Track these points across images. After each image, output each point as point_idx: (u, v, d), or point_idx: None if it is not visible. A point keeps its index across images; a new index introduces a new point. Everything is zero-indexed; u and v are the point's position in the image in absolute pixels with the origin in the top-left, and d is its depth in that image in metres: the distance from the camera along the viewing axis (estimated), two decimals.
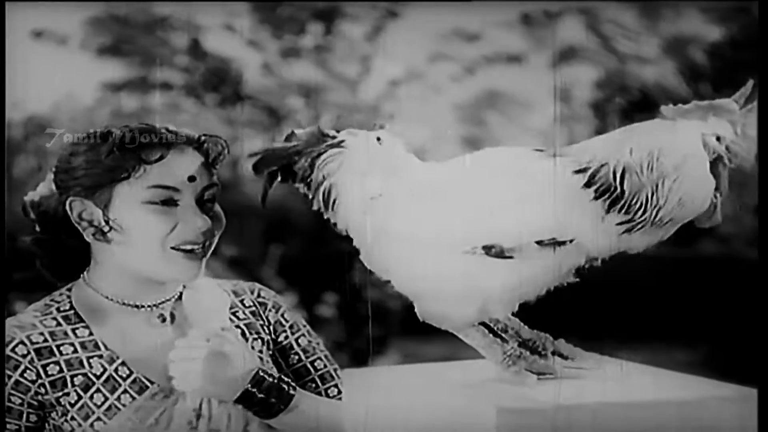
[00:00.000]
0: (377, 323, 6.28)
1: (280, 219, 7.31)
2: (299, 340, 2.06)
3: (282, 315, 2.07)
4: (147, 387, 1.92)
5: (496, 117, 7.89)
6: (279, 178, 1.95)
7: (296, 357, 2.04)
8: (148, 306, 1.98)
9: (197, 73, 7.62)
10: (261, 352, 2.02)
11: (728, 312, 6.44)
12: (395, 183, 1.94)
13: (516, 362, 1.93)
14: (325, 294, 6.12)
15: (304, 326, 2.08)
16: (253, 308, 2.05)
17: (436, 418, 1.88)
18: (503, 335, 1.96)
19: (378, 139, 2.00)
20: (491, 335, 1.96)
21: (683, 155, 1.85)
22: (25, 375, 1.88)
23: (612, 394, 1.83)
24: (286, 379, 1.94)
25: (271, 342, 2.04)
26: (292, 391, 1.92)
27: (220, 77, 7.59)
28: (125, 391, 1.91)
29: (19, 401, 1.88)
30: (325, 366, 2.05)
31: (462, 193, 1.88)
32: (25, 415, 1.88)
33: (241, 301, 2.04)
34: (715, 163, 1.87)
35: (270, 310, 2.07)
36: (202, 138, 1.95)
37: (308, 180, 1.96)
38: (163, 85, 7.66)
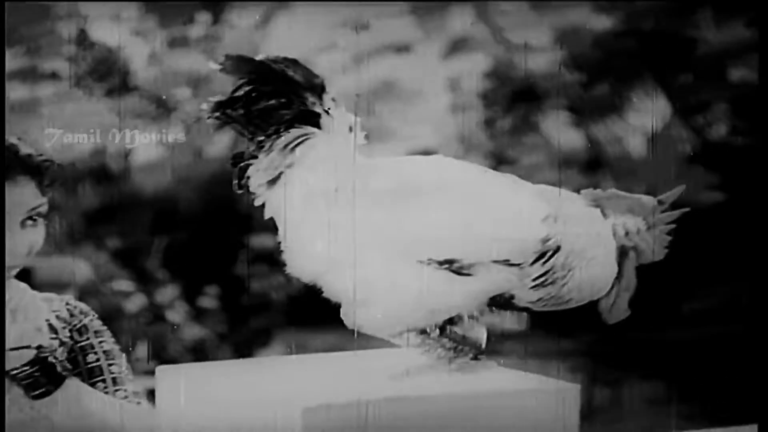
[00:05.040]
0: (261, 315, 6.27)
1: (167, 210, 7.25)
2: (102, 344, 2.14)
3: (90, 320, 2.15)
4: None
5: (386, 108, 7.91)
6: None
7: (95, 357, 2.11)
8: None
9: (84, 63, 7.53)
10: (54, 346, 2.06)
11: None
12: (355, 179, 1.92)
13: (458, 354, 1.97)
14: (208, 286, 6.09)
15: (110, 337, 2.17)
16: (60, 312, 2.09)
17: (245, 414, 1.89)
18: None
19: (350, 128, 1.98)
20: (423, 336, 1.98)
21: (594, 243, 1.90)
22: None
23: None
24: (64, 364, 1.99)
25: (70, 340, 2.09)
26: (64, 373, 1.97)
27: (107, 67, 7.51)
28: None
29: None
30: (120, 372, 2.14)
31: (421, 202, 1.88)
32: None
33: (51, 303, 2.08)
34: (621, 254, 1.92)
35: (76, 316, 2.14)
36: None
37: (269, 142, 1.94)
38: (51, 75, 7.57)
